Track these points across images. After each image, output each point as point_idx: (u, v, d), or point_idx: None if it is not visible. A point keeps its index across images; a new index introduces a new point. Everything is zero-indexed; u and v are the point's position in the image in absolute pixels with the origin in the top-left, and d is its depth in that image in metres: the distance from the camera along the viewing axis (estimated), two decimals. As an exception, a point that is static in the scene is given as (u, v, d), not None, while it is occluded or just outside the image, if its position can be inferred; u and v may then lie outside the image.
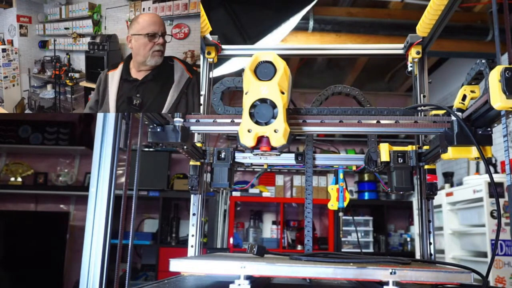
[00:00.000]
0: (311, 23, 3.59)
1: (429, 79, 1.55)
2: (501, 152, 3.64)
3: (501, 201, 3.03)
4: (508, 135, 0.86)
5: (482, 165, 4.22)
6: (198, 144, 1.50)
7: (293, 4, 3.05)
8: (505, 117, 0.92)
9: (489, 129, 1.06)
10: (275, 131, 1.04)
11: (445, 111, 1.15)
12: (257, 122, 1.05)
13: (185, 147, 1.24)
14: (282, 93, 1.07)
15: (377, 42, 3.56)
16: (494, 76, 0.87)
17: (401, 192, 1.41)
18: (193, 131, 1.24)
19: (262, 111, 1.06)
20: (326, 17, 3.67)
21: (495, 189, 1.04)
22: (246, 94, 1.09)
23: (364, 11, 3.82)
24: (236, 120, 1.18)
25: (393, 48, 1.63)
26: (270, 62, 1.10)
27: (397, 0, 3.71)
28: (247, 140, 1.05)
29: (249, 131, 1.05)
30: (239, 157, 1.53)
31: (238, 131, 1.07)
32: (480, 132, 1.06)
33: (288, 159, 1.55)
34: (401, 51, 1.60)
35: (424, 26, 1.39)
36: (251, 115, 1.06)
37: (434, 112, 1.23)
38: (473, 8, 3.80)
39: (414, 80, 1.55)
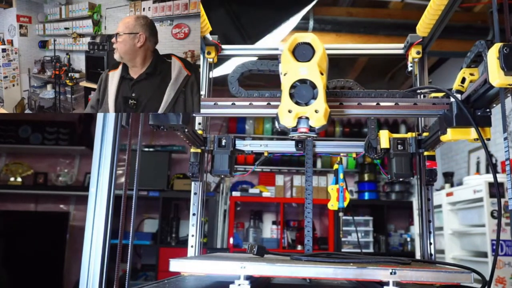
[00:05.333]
0: (311, 23, 3.59)
1: (429, 79, 1.55)
2: (502, 152, 3.64)
3: (502, 201, 3.03)
4: (508, 135, 0.86)
5: (482, 165, 4.22)
6: (199, 132, 1.50)
7: (293, 4, 3.05)
8: (503, 95, 0.92)
9: (488, 110, 1.07)
10: (315, 111, 1.02)
11: (444, 93, 1.16)
12: (296, 103, 1.04)
13: (186, 130, 1.23)
14: (322, 74, 1.06)
15: (377, 42, 3.54)
16: (493, 53, 0.87)
17: (400, 179, 1.41)
18: (195, 115, 1.23)
19: (302, 91, 1.04)
20: (326, 17, 3.66)
21: (497, 189, 1.04)
22: (285, 75, 1.07)
23: (364, 11, 3.82)
24: (237, 103, 1.17)
25: (393, 48, 1.63)
26: (309, 44, 1.10)
27: (397, 0, 3.71)
28: (287, 120, 1.02)
29: (289, 111, 1.03)
30: (240, 144, 1.53)
31: (278, 111, 1.05)
32: (479, 113, 1.07)
33: (288, 146, 1.55)
34: (401, 51, 1.60)
35: (424, 26, 1.39)
36: (291, 95, 1.04)
37: (433, 94, 1.24)
38: (473, 8, 3.80)
39: (414, 80, 1.55)
